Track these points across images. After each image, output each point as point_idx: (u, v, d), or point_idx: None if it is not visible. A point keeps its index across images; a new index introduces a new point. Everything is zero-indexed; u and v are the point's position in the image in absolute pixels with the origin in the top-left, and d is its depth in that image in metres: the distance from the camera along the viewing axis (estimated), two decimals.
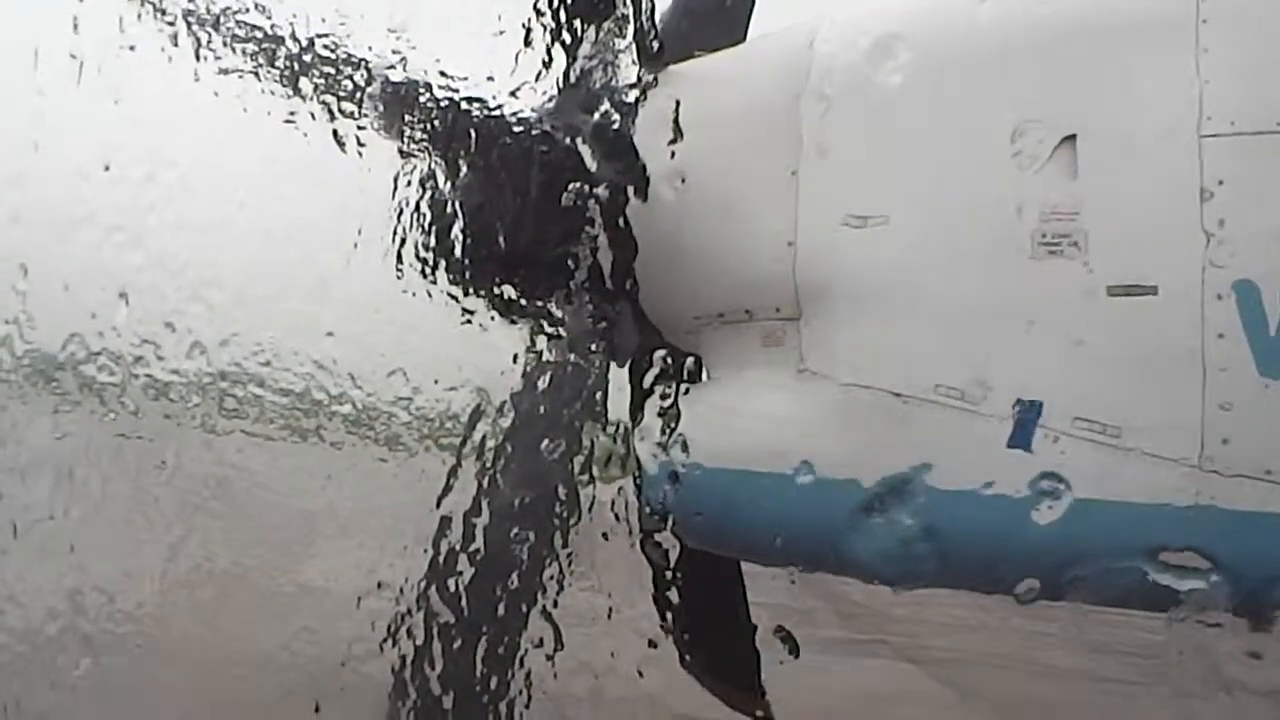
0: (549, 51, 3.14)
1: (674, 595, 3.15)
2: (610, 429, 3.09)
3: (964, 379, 2.58)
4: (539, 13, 3.09)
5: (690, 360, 3.12)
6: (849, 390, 2.73)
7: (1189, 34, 2.52)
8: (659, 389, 3.07)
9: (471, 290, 3.22)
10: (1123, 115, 2.57)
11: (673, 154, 3.03)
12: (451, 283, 3.20)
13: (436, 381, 3.23)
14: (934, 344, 2.67)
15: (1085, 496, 2.47)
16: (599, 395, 3.15)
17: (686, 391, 3.08)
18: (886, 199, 2.76)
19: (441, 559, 3.11)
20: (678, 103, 3.05)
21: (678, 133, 3.03)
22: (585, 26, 3.15)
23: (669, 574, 3.11)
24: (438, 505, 3.12)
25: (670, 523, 2.91)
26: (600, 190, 3.03)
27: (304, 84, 3.31)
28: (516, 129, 3.19)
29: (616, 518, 2.98)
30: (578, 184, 3.04)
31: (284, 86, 3.33)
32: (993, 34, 2.78)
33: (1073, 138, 2.57)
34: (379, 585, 3.12)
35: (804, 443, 2.74)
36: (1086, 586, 2.51)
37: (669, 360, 3.08)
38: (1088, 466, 2.47)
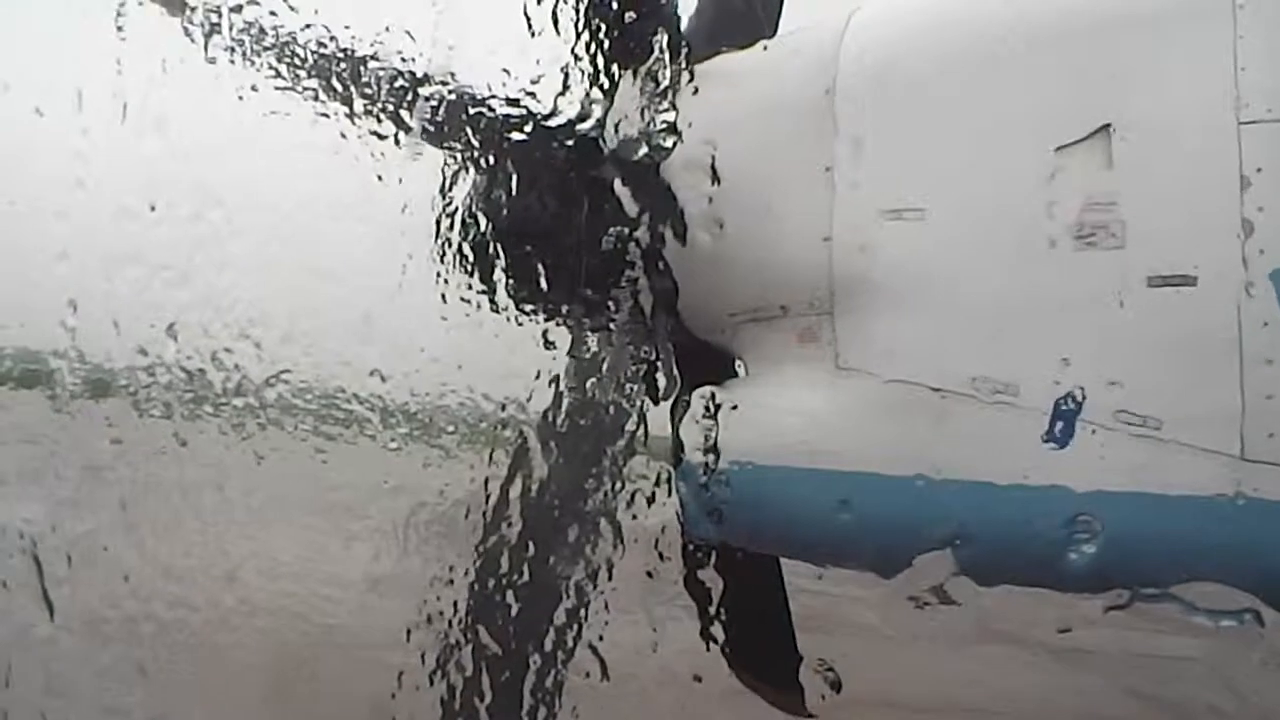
0: (588, 95, 3.18)
1: (721, 597, 3.16)
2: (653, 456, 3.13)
3: (1002, 373, 2.58)
4: (576, 57, 3.14)
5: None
6: (886, 385, 2.74)
7: (1226, 20, 2.49)
8: (700, 413, 3.10)
9: (515, 325, 3.28)
10: (1159, 103, 2.54)
11: (710, 199, 3.06)
12: (495, 318, 3.26)
13: (482, 420, 3.28)
14: (971, 337, 2.66)
15: (1125, 490, 2.47)
16: (641, 428, 3.20)
17: (732, 409, 3.08)
18: (922, 192, 2.75)
19: (487, 592, 3.17)
20: (714, 154, 3.06)
21: (715, 179, 3.05)
22: (622, 71, 3.18)
23: (716, 580, 3.14)
24: (484, 539, 3.19)
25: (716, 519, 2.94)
26: (639, 233, 3.08)
27: (346, 124, 3.38)
28: (556, 169, 3.24)
29: (660, 555, 3.03)
30: (617, 227, 3.08)
31: (327, 124, 3.40)
32: (1026, 23, 2.76)
33: (1109, 127, 2.55)
34: (427, 619, 3.17)
35: (841, 439, 2.76)
36: (1138, 578, 2.52)
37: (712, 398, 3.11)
38: (1128, 460, 2.47)
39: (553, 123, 3.25)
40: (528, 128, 3.24)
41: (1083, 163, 2.56)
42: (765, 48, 3.28)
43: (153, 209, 3.56)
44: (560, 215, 3.22)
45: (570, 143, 3.24)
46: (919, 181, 2.78)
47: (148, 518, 3.62)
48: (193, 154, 3.57)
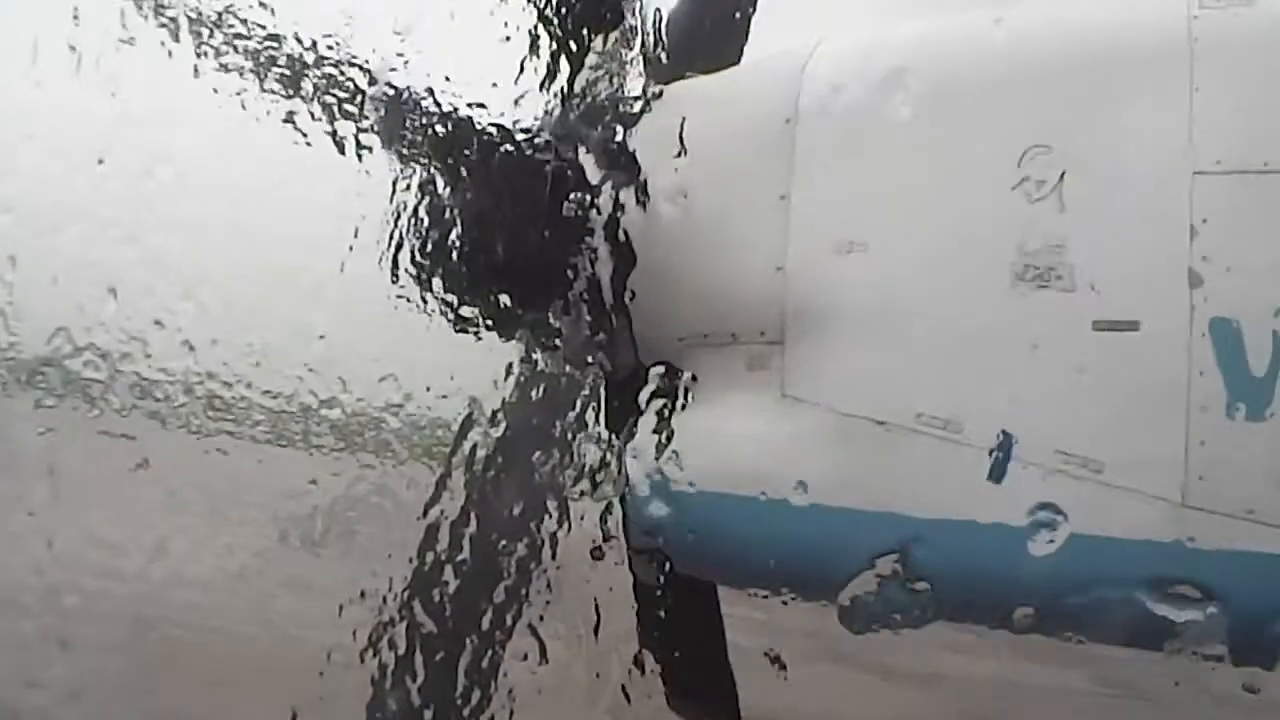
0: (554, 60, 3.12)
1: (657, 621, 3.14)
2: (601, 443, 3.06)
3: (946, 409, 2.59)
4: (546, 21, 3.07)
5: (686, 376, 3.07)
6: (831, 416, 2.73)
7: (1182, 72, 2.53)
8: (652, 405, 3.04)
9: (467, 298, 3.19)
10: (1113, 150, 2.58)
11: (676, 169, 3.00)
12: (447, 290, 3.17)
13: (428, 389, 3.19)
14: (917, 373, 2.68)
15: (1067, 531, 2.46)
16: (591, 409, 3.13)
17: (683, 407, 3.05)
18: (874, 226, 2.77)
19: (426, 569, 3.07)
20: (683, 119, 3.01)
21: (683, 148, 3.00)
22: (592, 37, 3.13)
23: (654, 595, 3.09)
24: (424, 514, 3.09)
25: (660, 541, 2.89)
26: (600, 202, 3.01)
27: (304, 85, 3.29)
28: (518, 138, 3.16)
29: (604, 534, 2.94)
30: (577, 195, 3.02)
31: (284, 87, 3.31)
32: (985, 66, 2.80)
33: (1062, 172, 2.58)
34: (361, 594, 3.07)
35: (786, 468, 2.73)
36: (1077, 619, 2.51)
37: (664, 377, 3.05)
38: (1069, 501, 2.47)
39: (514, 94, 3.18)
40: (485, 98, 3.17)
41: (1034, 206, 2.59)
42: (729, 74, 3.28)
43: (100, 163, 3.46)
44: (517, 189, 3.14)
45: (528, 114, 3.18)
46: (872, 216, 2.80)
47: (78, 485, 3.50)
48: (144, 110, 3.48)
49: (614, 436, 3.03)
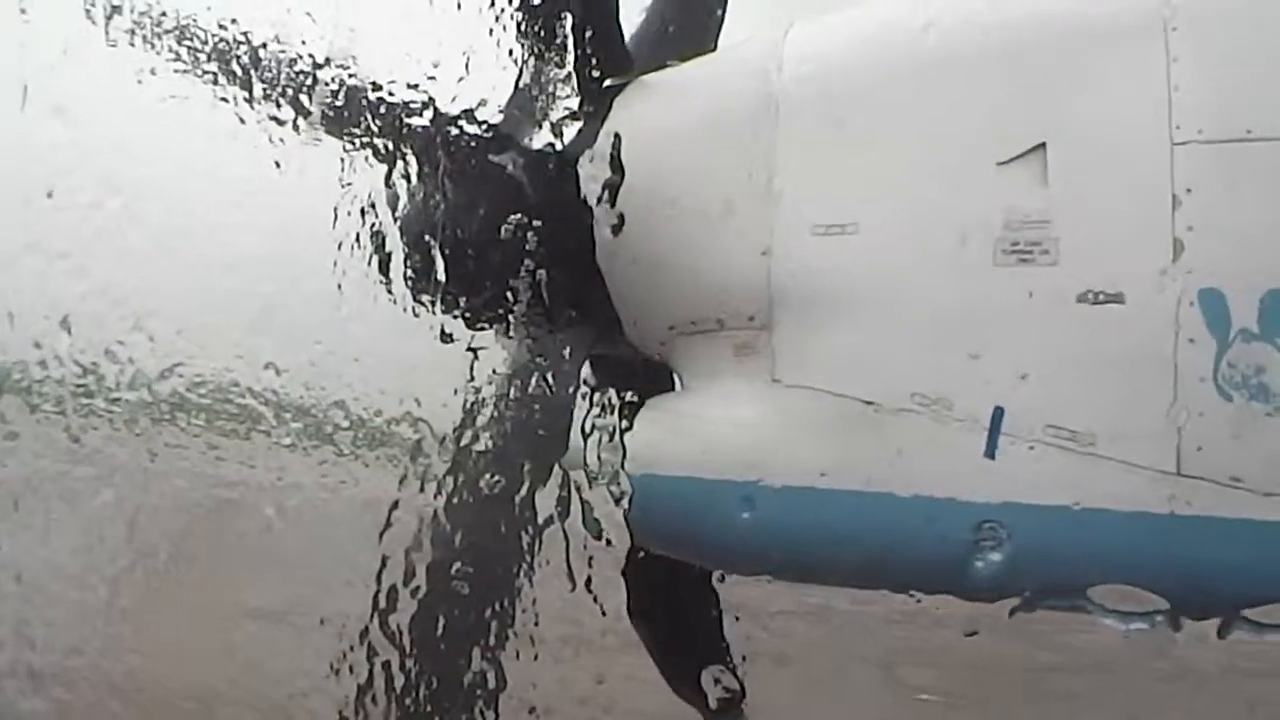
0: (496, 76, 3.10)
1: (649, 609, 3.17)
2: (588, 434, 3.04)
3: (936, 387, 2.58)
4: (490, 31, 3.06)
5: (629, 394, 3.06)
6: (822, 399, 2.71)
7: (1159, 42, 2.53)
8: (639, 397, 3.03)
9: (415, 317, 3.18)
10: (1093, 123, 2.57)
11: (614, 196, 2.98)
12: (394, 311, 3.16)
13: (379, 413, 3.18)
14: (906, 352, 2.67)
15: (1059, 504, 2.46)
16: (575, 402, 3.12)
17: (642, 409, 3.03)
18: (858, 207, 2.75)
19: (384, 595, 3.07)
20: (617, 137, 2.99)
21: (618, 170, 2.98)
22: (533, 53, 3.11)
23: (644, 583, 3.11)
24: (380, 540, 3.08)
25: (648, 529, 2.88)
26: (540, 222, 2.99)
27: (246, 110, 3.27)
28: (461, 157, 3.15)
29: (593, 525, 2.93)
30: (519, 215, 3.00)
31: (225, 110, 3.29)
32: (963, 42, 2.78)
33: (1043, 145, 2.57)
34: (321, 621, 3.07)
35: (777, 452, 2.73)
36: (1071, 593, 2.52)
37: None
38: (1061, 475, 2.47)
39: (454, 109, 3.16)
40: (429, 114, 3.15)
41: (1017, 180, 2.58)
42: (707, 60, 3.27)
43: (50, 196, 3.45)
44: (461, 205, 3.12)
45: (473, 131, 3.15)
46: (855, 197, 2.78)
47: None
48: (91, 140, 3.46)
49: (601, 429, 3.00)
